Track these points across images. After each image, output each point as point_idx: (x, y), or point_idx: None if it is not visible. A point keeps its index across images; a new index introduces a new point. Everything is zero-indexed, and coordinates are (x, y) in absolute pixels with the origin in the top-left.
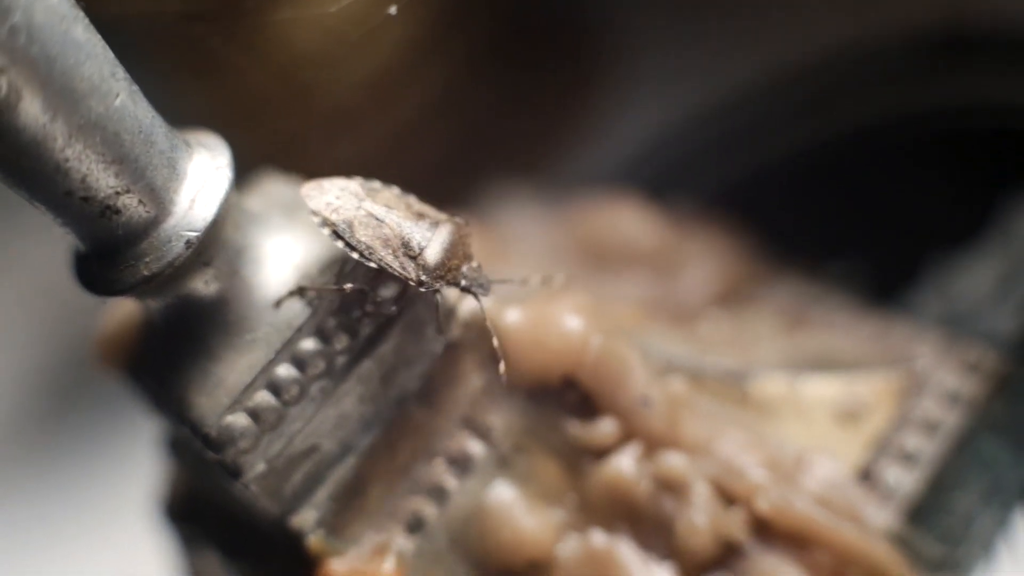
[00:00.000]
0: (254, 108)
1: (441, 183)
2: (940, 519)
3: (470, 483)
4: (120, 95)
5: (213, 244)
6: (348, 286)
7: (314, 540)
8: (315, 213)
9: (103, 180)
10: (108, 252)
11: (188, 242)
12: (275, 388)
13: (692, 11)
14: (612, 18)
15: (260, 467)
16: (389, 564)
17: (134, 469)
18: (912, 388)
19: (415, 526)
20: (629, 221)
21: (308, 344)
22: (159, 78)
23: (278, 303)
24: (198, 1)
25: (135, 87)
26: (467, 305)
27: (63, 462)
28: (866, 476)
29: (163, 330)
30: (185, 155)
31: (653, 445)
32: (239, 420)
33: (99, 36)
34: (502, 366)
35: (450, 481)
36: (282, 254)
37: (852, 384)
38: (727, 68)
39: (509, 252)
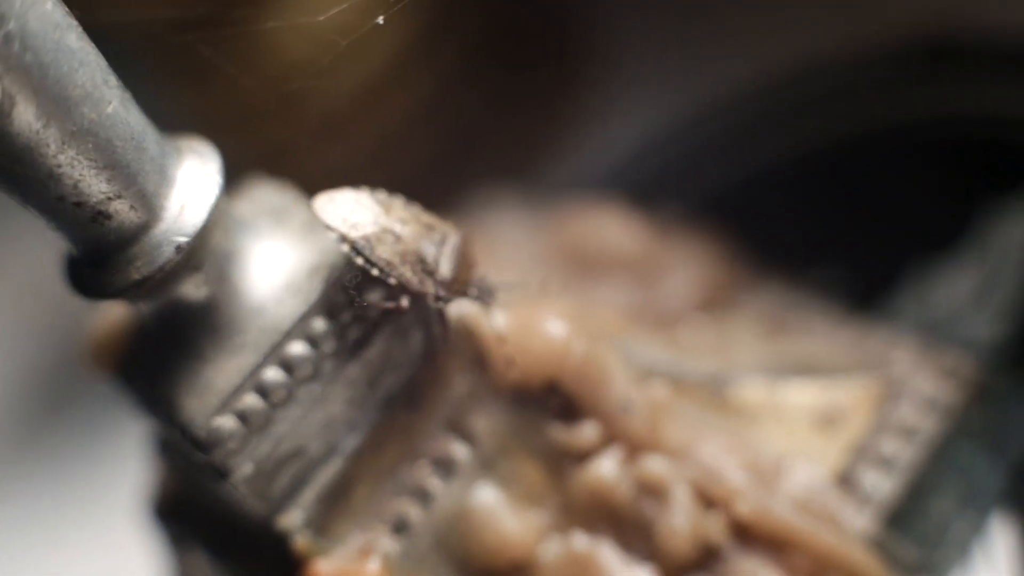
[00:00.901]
0: (243, 116)
1: (427, 188)
2: (917, 524)
3: (454, 485)
4: (112, 102)
5: (203, 249)
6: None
7: (301, 540)
8: (332, 229)
9: (95, 186)
10: (99, 256)
11: (178, 247)
12: (263, 391)
13: (679, 18)
14: (599, 24)
15: (248, 468)
16: (374, 564)
17: (123, 469)
18: (890, 394)
19: (400, 527)
20: (613, 227)
21: (296, 348)
22: (150, 86)
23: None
24: (188, 10)
25: (127, 94)
26: (452, 310)
27: (52, 462)
28: (844, 481)
29: (153, 333)
30: (176, 161)
31: (635, 449)
32: (227, 422)
33: (92, 44)
34: (504, 361)
35: (434, 483)
36: (270, 259)
37: (831, 390)
38: (712, 75)
39: (494, 257)
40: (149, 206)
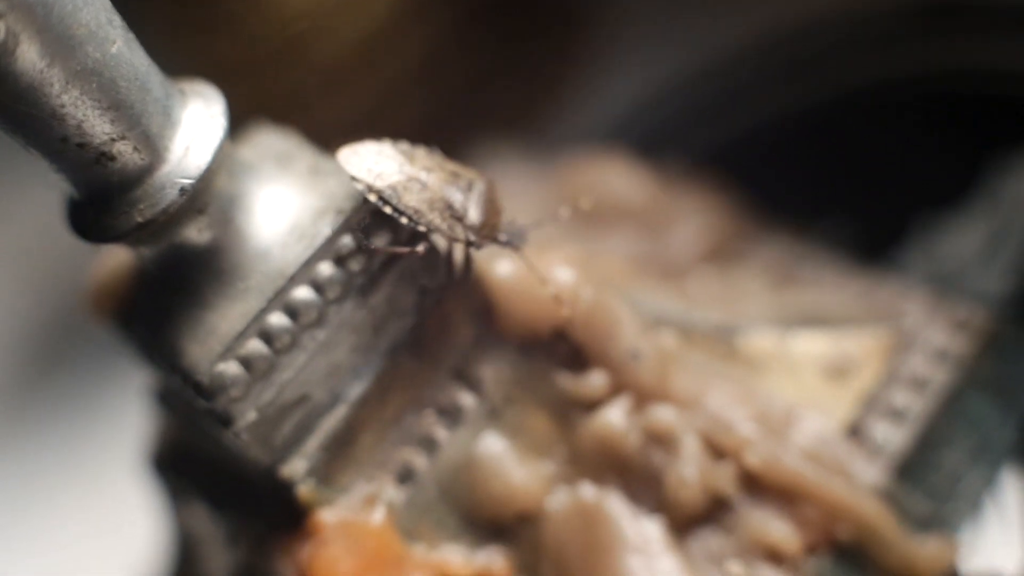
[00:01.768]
0: (249, 63)
1: (430, 141)
2: (928, 476)
3: (460, 434)
4: (117, 42)
5: (207, 192)
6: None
7: (304, 489)
8: (357, 179)
9: (99, 127)
10: (102, 199)
11: (182, 189)
12: (267, 336)
13: None
14: None
15: (251, 416)
16: (379, 514)
17: (123, 420)
18: (900, 345)
19: (405, 476)
20: (618, 177)
21: (301, 293)
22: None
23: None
24: None
25: (131, 35)
26: (459, 257)
27: (51, 413)
28: (855, 432)
29: (156, 278)
30: (180, 103)
31: (643, 398)
32: (230, 368)
33: None
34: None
35: (440, 432)
36: (275, 203)
37: (841, 340)
38: (716, 30)
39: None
40: (153, 148)
